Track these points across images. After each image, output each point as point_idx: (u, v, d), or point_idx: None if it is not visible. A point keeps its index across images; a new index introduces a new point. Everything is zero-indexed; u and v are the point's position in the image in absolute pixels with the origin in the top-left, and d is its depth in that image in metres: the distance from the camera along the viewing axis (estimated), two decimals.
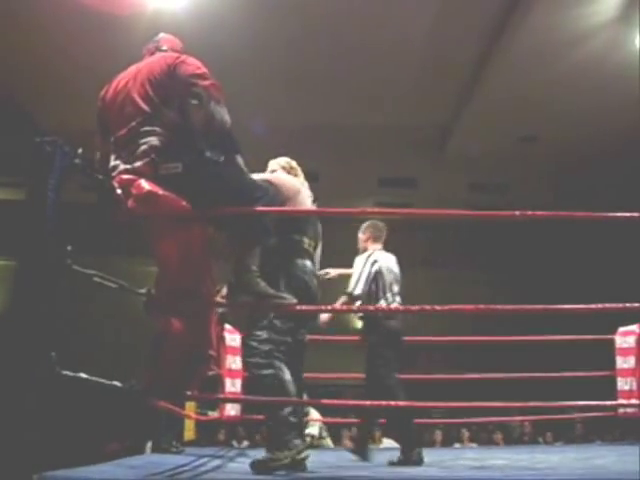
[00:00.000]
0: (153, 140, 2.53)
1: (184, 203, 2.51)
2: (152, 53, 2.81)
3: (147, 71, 2.65)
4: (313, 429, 6.15)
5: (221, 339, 4.76)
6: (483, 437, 8.67)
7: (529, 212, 2.79)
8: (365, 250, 4.38)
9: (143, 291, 2.72)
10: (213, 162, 2.64)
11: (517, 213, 2.74)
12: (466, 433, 8.54)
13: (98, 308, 9.37)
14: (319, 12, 6.62)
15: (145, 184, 2.48)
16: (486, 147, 9.08)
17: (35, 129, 7.62)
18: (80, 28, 6.53)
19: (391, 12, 6.64)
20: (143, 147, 2.53)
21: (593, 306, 2.72)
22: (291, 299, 2.71)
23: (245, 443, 7.94)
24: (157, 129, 2.54)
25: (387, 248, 4.43)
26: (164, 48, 2.82)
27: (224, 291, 4.02)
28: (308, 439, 6.02)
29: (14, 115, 7.93)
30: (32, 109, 8.03)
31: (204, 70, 2.65)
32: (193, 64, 2.64)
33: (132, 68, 2.74)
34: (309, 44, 7.07)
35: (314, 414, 6.22)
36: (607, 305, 2.72)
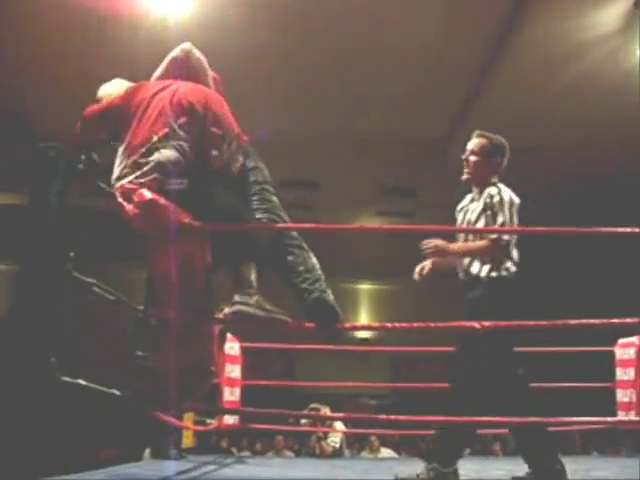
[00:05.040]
0: (163, 157, 2.52)
1: (185, 216, 2.49)
2: (188, 76, 2.78)
3: (185, 94, 2.65)
4: (336, 439, 6.03)
5: (220, 348, 4.74)
6: (482, 447, 8.61)
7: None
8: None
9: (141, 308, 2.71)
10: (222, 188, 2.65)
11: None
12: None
13: (99, 311, 9.32)
14: (323, 22, 6.65)
15: (147, 192, 2.45)
16: None
17: (34, 135, 7.60)
18: (83, 34, 6.55)
19: (393, 24, 6.68)
20: (152, 163, 2.51)
21: (594, 321, 2.74)
22: (286, 316, 2.74)
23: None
24: (171, 148, 2.54)
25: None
26: (206, 78, 2.83)
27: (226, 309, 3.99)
28: (330, 448, 6.00)
29: (13, 120, 7.92)
30: (31, 115, 8.01)
31: (228, 113, 2.68)
32: (223, 106, 2.69)
33: (172, 83, 2.72)
34: (312, 54, 7.10)
35: (338, 425, 6.09)
36: (605, 320, 2.74)
